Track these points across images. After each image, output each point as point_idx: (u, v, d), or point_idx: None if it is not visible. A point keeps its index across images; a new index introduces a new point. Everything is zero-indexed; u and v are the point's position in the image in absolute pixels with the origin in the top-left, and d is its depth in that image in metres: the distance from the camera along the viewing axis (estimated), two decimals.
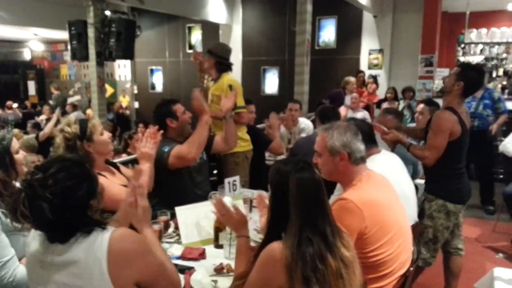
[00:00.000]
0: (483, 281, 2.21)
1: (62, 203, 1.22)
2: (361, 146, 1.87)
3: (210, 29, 10.46)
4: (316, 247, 1.37)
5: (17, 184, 1.79)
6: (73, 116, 9.13)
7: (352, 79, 6.97)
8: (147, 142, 2.32)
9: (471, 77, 2.70)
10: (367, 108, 7.11)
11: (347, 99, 6.16)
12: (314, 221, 1.41)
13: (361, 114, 5.80)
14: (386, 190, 1.93)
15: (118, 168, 2.44)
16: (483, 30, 8.88)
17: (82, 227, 1.29)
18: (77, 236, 1.28)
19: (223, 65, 3.54)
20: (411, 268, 1.90)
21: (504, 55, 9.04)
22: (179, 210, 2.22)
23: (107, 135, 2.24)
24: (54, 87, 11.44)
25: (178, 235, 2.20)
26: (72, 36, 6.37)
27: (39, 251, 1.31)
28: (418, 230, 2.48)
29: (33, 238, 1.35)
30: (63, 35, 8.26)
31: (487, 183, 5.04)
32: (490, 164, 5.09)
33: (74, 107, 9.46)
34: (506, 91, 7.84)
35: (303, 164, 1.48)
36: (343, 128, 1.89)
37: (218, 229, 2.13)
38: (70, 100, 11.56)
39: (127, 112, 10.88)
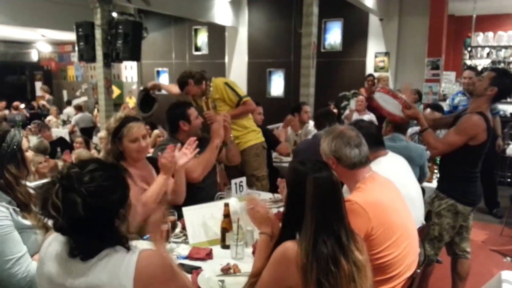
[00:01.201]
0: (490, 284, 2.19)
1: (95, 203, 1.17)
2: (352, 152, 1.87)
3: (216, 31, 10.50)
4: (330, 249, 1.38)
5: (27, 183, 1.81)
6: (76, 118, 9.19)
7: (383, 75, 6.94)
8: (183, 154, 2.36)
9: (506, 84, 2.68)
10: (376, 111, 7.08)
11: (352, 102, 6.16)
12: (329, 223, 1.41)
13: (368, 117, 5.78)
14: (391, 192, 1.93)
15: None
16: (490, 34, 8.84)
17: (107, 241, 1.23)
18: (100, 256, 1.21)
19: (201, 79, 3.59)
20: (418, 270, 1.90)
21: (511, 59, 8.99)
22: (186, 210, 2.23)
23: (137, 144, 2.24)
24: (44, 89, 11.13)
25: (185, 235, 2.21)
26: (80, 38, 6.42)
27: (57, 273, 1.24)
28: (425, 232, 2.48)
29: (49, 258, 1.28)
30: (71, 36, 8.31)
31: (490, 186, 4.98)
32: (492, 167, 5.04)
33: (79, 108, 9.50)
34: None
35: (320, 165, 1.49)
36: (337, 133, 1.91)
37: (225, 230, 2.13)
38: (76, 101, 11.61)
39: (133, 113, 10.91)
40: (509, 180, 5.81)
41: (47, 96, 10.82)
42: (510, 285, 1.93)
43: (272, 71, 10.13)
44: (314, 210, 1.41)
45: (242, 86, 10.92)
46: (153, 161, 2.45)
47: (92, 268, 1.20)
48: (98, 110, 8.61)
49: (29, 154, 1.81)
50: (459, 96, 4.81)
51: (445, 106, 4.86)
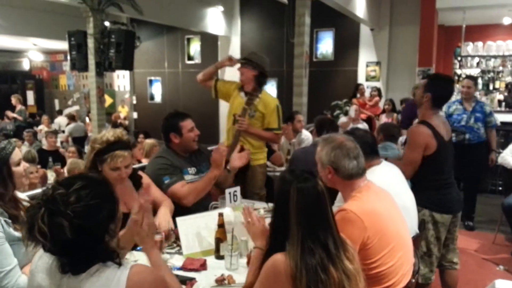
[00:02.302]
0: None
1: (83, 224, 1.15)
2: (350, 164, 1.87)
3: (209, 41, 10.54)
4: (318, 258, 1.38)
5: (19, 194, 1.78)
6: (70, 128, 9.10)
7: (420, 82, 6.96)
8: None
9: (438, 88, 2.73)
10: (369, 120, 7.15)
11: (352, 111, 6.20)
12: (315, 232, 1.41)
13: (361, 126, 5.82)
14: (386, 201, 1.94)
15: (139, 179, 2.39)
16: (479, 44, 8.97)
17: (97, 256, 1.21)
18: (90, 271, 1.19)
19: (264, 78, 3.45)
20: (413, 280, 1.90)
21: (500, 68, 9.12)
22: (180, 220, 2.21)
23: (117, 173, 2.14)
24: (16, 98, 10.45)
25: (179, 245, 2.19)
26: (72, 47, 6.39)
27: (48, 286, 1.23)
28: (419, 242, 2.49)
29: (40, 270, 1.26)
30: (63, 45, 8.30)
31: (470, 197, 4.88)
32: (477, 178, 4.95)
33: (72, 118, 9.45)
34: (503, 103, 7.89)
35: (306, 175, 1.49)
36: (337, 143, 1.91)
37: (219, 240, 2.12)
38: (68, 110, 11.54)
39: (126, 122, 10.89)
40: (500, 188, 5.85)
41: (19, 106, 10.21)
42: None
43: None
44: (300, 219, 1.41)
45: None
46: (133, 174, 2.35)
47: (83, 283, 1.18)
48: (90, 119, 8.56)
49: (21, 168, 1.72)
50: (456, 105, 4.73)
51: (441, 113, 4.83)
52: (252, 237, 1.82)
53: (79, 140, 7.93)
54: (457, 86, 7.98)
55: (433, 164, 2.72)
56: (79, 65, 6.45)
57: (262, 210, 2.66)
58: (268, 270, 1.43)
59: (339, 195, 2.31)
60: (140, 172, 2.49)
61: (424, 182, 2.78)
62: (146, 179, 2.47)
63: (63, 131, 9.05)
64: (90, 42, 6.22)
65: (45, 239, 1.14)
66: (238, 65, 3.53)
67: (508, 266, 3.88)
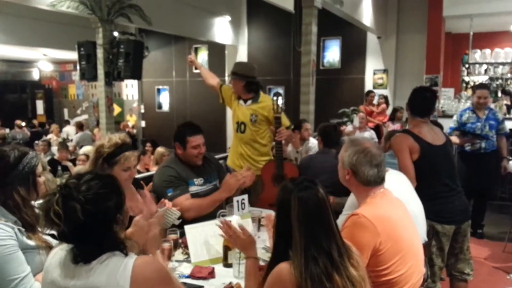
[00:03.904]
0: None
1: (93, 209, 1.26)
2: (370, 171, 1.86)
3: (216, 50, 10.62)
4: (322, 266, 1.38)
5: (33, 203, 1.82)
6: (77, 137, 9.18)
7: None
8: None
9: (412, 99, 2.89)
10: (377, 128, 7.14)
11: (356, 120, 6.20)
12: (318, 240, 1.41)
13: (368, 134, 5.82)
14: (400, 209, 1.92)
15: (141, 186, 2.46)
16: (487, 51, 8.94)
17: (107, 244, 1.31)
18: (100, 259, 1.29)
19: (253, 85, 3.53)
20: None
21: (509, 75, 9.07)
22: (188, 228, 2.22)
23: (128, 173, 2.22)
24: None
25: (187, 253, 2.20)
26: (81, 57, 6.48)
27: (61, 277, 1.32)
28: (427, 250, 2.47)
29: (54, 266, 1.35)
30: (72, 55, 8.40)
31: (481, 205, 4.81)
32: (489, 187, 4.87)
33: (80, 127, 9.54)
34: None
35: (307, 183, 1.49)
36: (362, 148, 1.89)
37: (227, 248, 2.12)
38: (77, 119, 11.66)
39: (134, 131, 10.99)
40: (510, 195, 5.80)
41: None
42: None
43: (272, 88, 10.21)
44: (302, 228, 1.41)
45: None
46: (136, 183, 2.45)
47: (93, 271, 1.28)
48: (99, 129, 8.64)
49: (42, 178, 1.79)
50: (468, 113, 4.60)
51: (452, 122, 4.69)
52: (241, 249, 1.83)
53: None
54: (466, 94, 7.97)
55: (424, 169, 2.70)
56: (89, 75, 6.53)
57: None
58: (274, 280, 1.43)
59: (347, 204, 2.31)
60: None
61: (423, 191, 2.73)
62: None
63: (71, 140, 9.14)
64: (99, 52, 6.30)
65: (59, 221, 1.25)
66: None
67: None
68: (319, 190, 1.47)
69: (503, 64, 8.87)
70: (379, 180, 1.89)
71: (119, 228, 1.35)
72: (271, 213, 2.40)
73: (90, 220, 1.26)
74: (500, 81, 9.16)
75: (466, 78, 9.38)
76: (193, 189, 2.71)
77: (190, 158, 2.72)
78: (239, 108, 3.60)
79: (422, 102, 2.87)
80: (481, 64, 9.16)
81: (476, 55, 8.87)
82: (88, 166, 2.33)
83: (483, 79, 9.22)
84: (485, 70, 9.29)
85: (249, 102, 3.57)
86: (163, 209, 2.19)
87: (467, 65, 9.27)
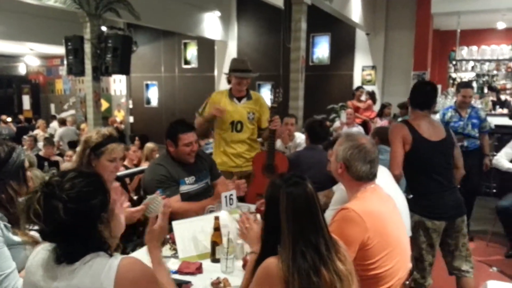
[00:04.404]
0: None
1: (76, 208, 1.23)
2: (363, 167, 1.87)
3: (206, 45, 10.58)
4: (310, 260, 1.39)
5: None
6: (60, 132, 9.07)
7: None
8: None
9: (413, 92, 2.93)
10: (365, 123, 7.19)
11: (343, 116, 6.24)
12: (306, 235, 1.43)
13: (356, 130, 5.86)
14: (389, 204, 1.95)
15: (124, 183, 2.49)
16: (474, 48, 9.06)
17: (91, 243, 1.28)
18: (84, 260, 1.26)
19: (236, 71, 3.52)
20: (407, 282, 1.92)
21: (495, 72, 9.21)
22: (176, 224, 2.23)
23: (114, 165, 2.27)
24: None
25: (175, 249, 2.20)
26: (69, 52, 6.42)
27: (43, 278, 1.29)
28: (411, 245, 2.50)
29: (35, 266, 1.32)
30: (59, 50, 8.32)
31: (468, 204, 4.85)
32: (475, 185, 4.80)
33: (63, 122, 9.44)
34: (497, 106, 7.96)
35: (295, 179, 1.50)
36: (357, 143, 1.91)
37: (215, 243, 2.14)
38: (64, 114, 11.54)
39: (122, 126, 10.91)
40: (494, 191, 5.90)
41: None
42: None
43: (261, 84, 10.22)
44: (290, 223, 1.43)
45: None
46: (120, 179, 2.49)
47: (76, 272, 1.25)
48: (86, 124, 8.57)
49: (29, 173, 1.81)
50: (450, 112, 4.61)
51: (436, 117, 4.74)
52: (249, 242, 1.84)
53: (72, 145, 7.94)
54: (452, 90, 8.07)
55: (415, 162, 2.72)
56: (76, 70, 6.47)
57: (258, 215, 2.67)
58: (261, 274, 1.45)
59: (334, 198, 2.33)
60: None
61: (409, 184, 2.83)
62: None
63: None
64: (87, 47, 6.25)
65: (39, 221, 1.22)
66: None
67: (501, 267, 3.92)
68: (307, 185, 1.49)
69: (490, 61, 9.00)
70: (371, 176, 1.91)
71: (104, 227, 1.30)
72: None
73: (73, 219, 1.22)
74: (486, 77, 9.30)
75: (453, 75, 9.50)
76: (184, 188, 2.70)
77: (182, 156, 2.70)
78: (233, 107, 3.49)
79: (422, 95, 2.89)
80: (468, 61, 9.29)
81: (463, 52, 8.98)
82: (75, 157, 2.35)
83: (470, 75, 9.35)
84: (472, 67, 9.42)
85: (243, 100, 3.52)
86: (151, 197, 2.20)
87: (454, 62, 9.39)
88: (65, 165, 4.64)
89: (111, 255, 1.30)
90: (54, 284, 1.26)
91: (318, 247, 1.42)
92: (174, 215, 2.43)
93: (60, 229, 1.24)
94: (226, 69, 10.13)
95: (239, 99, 3.52)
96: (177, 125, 2.73)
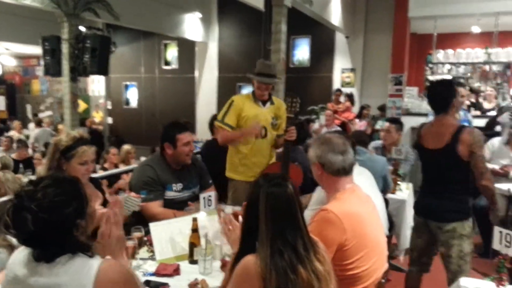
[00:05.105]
0: None
1: (47, 218, 1.23)
2: (334, 158, 1.90)
3: (186, 46, 10.54)
4: (287, 258, 1.42)
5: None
6: (35, 133, 8.85)
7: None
8: None
9: (428, 94, 2.84)
10: (343, 125, 7.28)
11: (322, 118, 6.30)
12: (284, 234, 1.45)
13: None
14: (368, 205, 1.98)
15: (99, 184, 2.44)
16: (450, 51, 9.26)
17: (68, 247, 1.29)
18: (63, 258, 1.28)
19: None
20: (383, 280, 1.95)
21: (469, 75, 9.44)
22: (154, 226, 2.22)
23: (85, 167, 2.24)
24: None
25: (152, 251, 2.19)
26: (46, 52, 6.30)
27: (23, 273, 1.30)
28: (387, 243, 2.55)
29: (17, 262, 1.34)
30: (36, 50, 8.14)
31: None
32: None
33: (38, 123, 9.24)
34: (472, 109, 8.15)
35: (277, 180, 1.53)
36: (323, 140, 1.97)
37: (193, 245, 2.13)
38: (41, 115, 11.30)
39: (100, 127, 10.76)
40: (471, 190, 6.03)
41: None
42: None
43: (242, 86, 10.23)
44: (269, 223, 1.46)
45: (212, 100, 10.94)
46: (94, 180, 2.46)
47: (56, 269, 1.27)
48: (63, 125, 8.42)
49: (2, 175, 1.77)
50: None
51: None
52: (231, 243, 1.85)
53: (48, 146, 7.78)
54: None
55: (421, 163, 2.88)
56: (53, 70, 6.36)
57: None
58: (240, 271, 1.46)
59: (313, 199, 2.36)
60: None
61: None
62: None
63: None
64: (65, 47, 6.14)
65: (8, 231, 1.26)
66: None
67: (475, 265, 4.00)
68: (288, 186, 1.51)
69: (465, 64, 9.21)
70: (348, 168, 1.93)
71: (81, 233, 1.31)
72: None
73: (44, 229, 1.24)
74: (462, 80, 9.52)
75: (430, 77, 9.69)
76: (169, 194, 2.68)
77: (180, 157, 2.68)
78: (260, 111, 3.25)
79: (430, 98, 2.78)
80: (444, 63, 9.49)
81: (439, 55, 9.17)
82: (46, 161, 2.32)
83: (447, 78, 9.55)
84: (448, 70, 9.64)
85: (267, 104, 3.30)
86: (124, 196, 2.19)
87: (430, 65, 9.58)
88: (39, 169, 4.55)
89: (91, 256, 1.31)
90: (33, 279, 1.28)
91: (296, 247, 1.44)
92: (153, 220, 2.40)
93: (32, 238, 1.26)
94: (207, 70, 10.10)
95: (264, 103, 3.30)
96: (173, 126, 2.72)
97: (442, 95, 2.67)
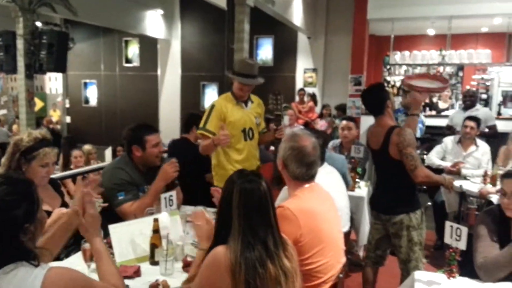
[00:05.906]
0: (404, 285, 2.38)
1: None
2: (297, 169, 1.94)
3: (148, 43, 10.37)
4: (257, 253, 1.46)
5: None
6: None
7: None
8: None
9: (363, 100, 2.99)
10: (306, 125, 7.39)
11: (286, 118, 6.37)
12: (255, 230, 1.49)
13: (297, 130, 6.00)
14: (326, 202, 2.04)
15: (59, 186, 2.38)
16: (406, 53, 9.60)
17: (13, 253, 1.22)
18: (6, 269, 1.20)
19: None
20: (341, 275, 2.02)
21: None
22: (113, 228, 2.17)
23: (46, 170, 2.18)
24: None
25: (112, 253, 2.15)
26: (0, 48, 6.04)
27: None
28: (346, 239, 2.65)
29: None
30: None
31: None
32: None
33: None
34: (427, 108, 8.50)
35: (252, 176, 1.57)
36: (296, 145, 1.96)
37: (154, 246, 2.11)
38: None
39: (58, 127, 10.40)
40: (425, 187, 6.29)
41: None
42: (422, 284, 2.10)
43: (206, 84, 10.19)
44: (241, 218, 1.49)
45: (175, 99, 10.82)
46: (54, 182, 2.40)
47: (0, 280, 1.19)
48: (18, 124, 8.08)
49: None
50: (400, 115, 4.87)
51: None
52: (202, 239, 1.86)
53: (4, 147, 7.45)
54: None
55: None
56: (7, 67, 6.11)
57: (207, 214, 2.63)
58: (209, 262, 1.49)
59: (279, 197, 2.40)
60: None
61: None
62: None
63: None
64: (20, 43, 5.90)
65: None
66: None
67: (430, 259, 4.19)
68: (261, 183, 1.55)
69: (420, 65, 9.58)
70: (307, 178, 1.98)
71: (28, 238, 1.25)
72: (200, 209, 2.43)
73: None
74: None
75: (388, 78, 10.03)
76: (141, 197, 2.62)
77: (150, 159, 2.61)
78: (244, 113, 3.16)
79: (366, 102, 2.93)
80: (400, 65, 9.83)
81: (396, 56, 9.48)
82: (4, 161, 2.22)
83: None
84: (405, 71, 10.00)
85: (249, 104, 3.21)
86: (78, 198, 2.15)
87: (388, 66, 9.90)
88: None
89: (37, 265, 1.23)
90: None
91: (266, 243, 1.49)
92: (130, 217, 2.39)
93: None
94: (170, 68, 9.92)
95: (245, 103, 3.19)
96: (141, 128, 2.64)
97: (376, 99, 2.82)
